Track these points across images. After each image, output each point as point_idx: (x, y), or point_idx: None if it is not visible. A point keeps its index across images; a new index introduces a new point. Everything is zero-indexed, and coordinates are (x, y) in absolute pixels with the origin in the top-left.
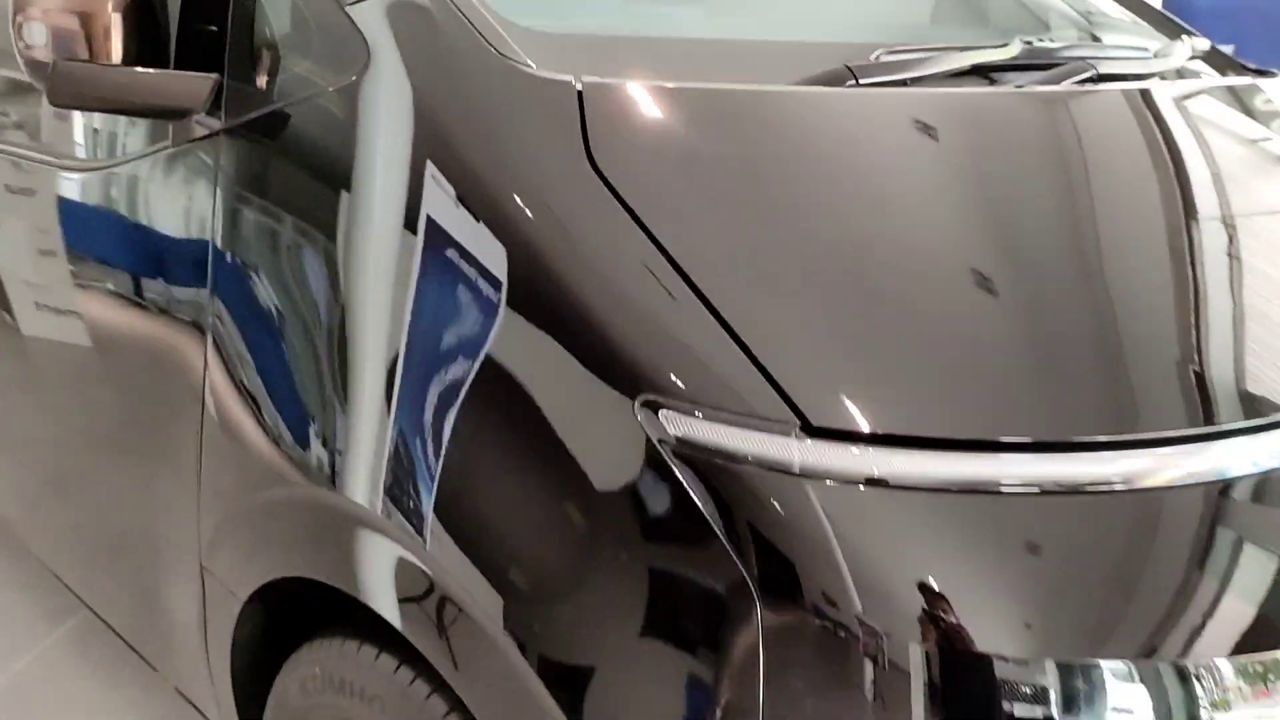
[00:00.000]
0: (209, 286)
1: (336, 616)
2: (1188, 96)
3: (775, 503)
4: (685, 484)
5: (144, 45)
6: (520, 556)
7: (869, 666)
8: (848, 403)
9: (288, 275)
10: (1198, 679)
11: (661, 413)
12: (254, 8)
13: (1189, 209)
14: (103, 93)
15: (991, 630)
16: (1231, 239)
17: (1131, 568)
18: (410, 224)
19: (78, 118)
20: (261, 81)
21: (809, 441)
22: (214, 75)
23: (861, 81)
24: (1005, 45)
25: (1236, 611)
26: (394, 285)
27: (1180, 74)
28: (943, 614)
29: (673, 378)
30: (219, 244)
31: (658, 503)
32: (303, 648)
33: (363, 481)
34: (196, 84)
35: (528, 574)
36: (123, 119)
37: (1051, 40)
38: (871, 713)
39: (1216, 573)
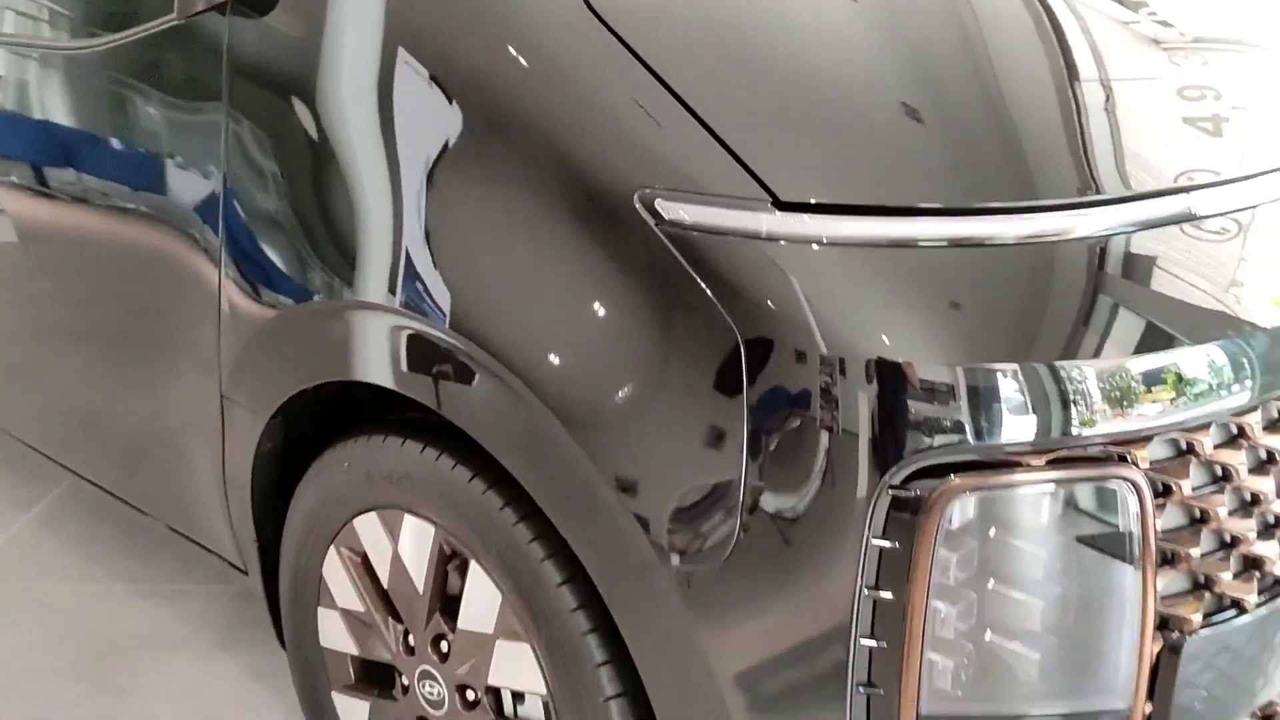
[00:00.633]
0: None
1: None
2: None
3: (750, 263)
4: (679, 256)
5: None
6: (539, 326)
7: (822, 377)
8: (808, 182)
9: (300, 115)
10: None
11: (657, 201)
12: None
13: (1071, 37)
14: None
15: (915, 345)
16: (1100, 63)
17: (1024, 300)
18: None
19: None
20: None
21: (776, 214)
22: None
23: None
24: None
25: (1105, 322)
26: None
27: None
28: (881, 336)
29: (666, 173)
30: (231, 108)
31: (657, 273)
32: (325, 453)
33: (381, 283)
34: None
35: (548, 343)
36: None
37: None
38: (826, 413)
39: (1090, 296)
